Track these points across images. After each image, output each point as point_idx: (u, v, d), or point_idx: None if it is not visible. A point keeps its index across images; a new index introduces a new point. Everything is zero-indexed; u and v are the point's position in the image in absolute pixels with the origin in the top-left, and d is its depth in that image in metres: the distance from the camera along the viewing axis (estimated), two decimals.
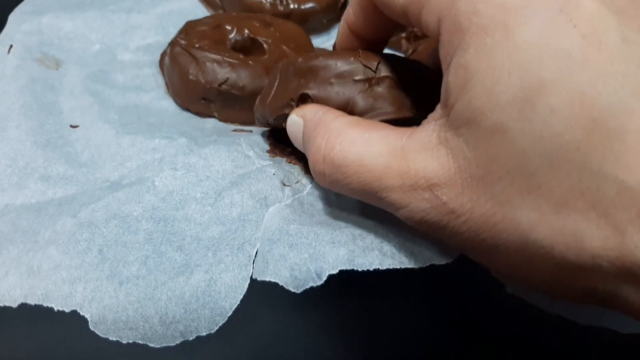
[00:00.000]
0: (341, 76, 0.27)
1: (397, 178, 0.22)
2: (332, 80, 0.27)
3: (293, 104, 0.29)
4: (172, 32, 0.50)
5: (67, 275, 0.27)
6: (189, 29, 0.43)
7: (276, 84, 0.32)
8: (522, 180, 0.18)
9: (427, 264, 0.26)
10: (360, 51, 0.28)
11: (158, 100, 0.41)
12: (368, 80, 0.26)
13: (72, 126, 0.37)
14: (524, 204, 0.18)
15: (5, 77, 0.41)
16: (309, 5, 0.51)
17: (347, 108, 0.26)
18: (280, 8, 0.50)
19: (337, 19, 0.54)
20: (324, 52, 0.30)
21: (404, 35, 0.51)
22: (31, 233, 0.29)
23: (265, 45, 0.44)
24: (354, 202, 0.30)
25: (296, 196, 0.31)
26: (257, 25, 0.45)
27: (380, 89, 0.26)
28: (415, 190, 0.21)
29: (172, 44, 0.42)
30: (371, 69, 0.26)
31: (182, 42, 0.41)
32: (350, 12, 0.29)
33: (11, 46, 0.45)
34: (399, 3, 0.22)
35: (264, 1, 0.50)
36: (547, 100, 0.17)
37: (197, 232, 0.29)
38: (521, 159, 0.17)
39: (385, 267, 0.25)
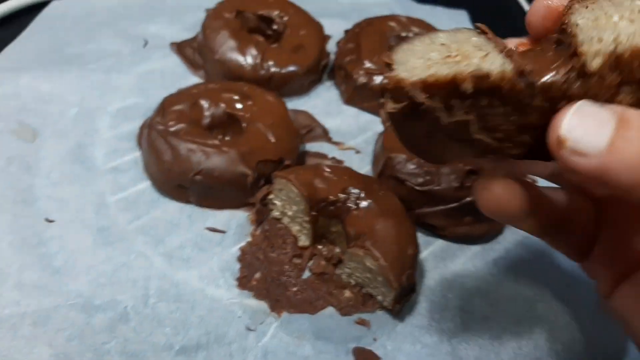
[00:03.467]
0: None
1: None
2: None
3: None
4: (153, 94, 0.49)
5: None
6: (167, 106, 0.43)
7: None
8: None
9: None
10: None
11: (135, 183, 0.42)
12: None
13: (47, 220, 0.38)
14: None
15: None
16: (290, 68, 0.50)
17: None
18: (262, 72, 0.49)
19: (318, 80, 0.54)
20: None
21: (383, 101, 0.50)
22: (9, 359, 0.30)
23: (242, 123, 0.43)
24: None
25: (259, 344, 0.33)
26: (235, 98, 0.45)
27: None
28: None
29: (149, 126, 0.42)
30: None
31: (159, 126, 0.41)
32: None
33: None
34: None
35: (245, 65, 0.49)
36: None
37: None
38: None
39: None
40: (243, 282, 0.36)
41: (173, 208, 0.40)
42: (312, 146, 0.48)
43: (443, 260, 0.39)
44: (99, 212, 0.39)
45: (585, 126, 0.17)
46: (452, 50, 0.19)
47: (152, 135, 0.41)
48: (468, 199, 0.40)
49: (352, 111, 0.52)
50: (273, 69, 0.50)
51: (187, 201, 0.41)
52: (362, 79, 0.50)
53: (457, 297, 0.37)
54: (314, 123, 0.49)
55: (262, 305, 0.35)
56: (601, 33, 0.18)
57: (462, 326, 0.35)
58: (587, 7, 0.19)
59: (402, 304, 0.34)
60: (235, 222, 0.40)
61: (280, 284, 0.36)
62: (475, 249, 0.41)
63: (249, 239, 0.39)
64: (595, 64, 0.18)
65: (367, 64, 0.51)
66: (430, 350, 0.34)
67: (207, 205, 0.41)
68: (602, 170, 0.17)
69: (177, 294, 0.35)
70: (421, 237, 0.40)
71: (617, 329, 0.33)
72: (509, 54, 0.19)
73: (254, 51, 0.50)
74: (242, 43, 0.50)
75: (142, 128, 0.45)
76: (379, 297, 0.35)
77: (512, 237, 0.42)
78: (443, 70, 0.18)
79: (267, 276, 0.36)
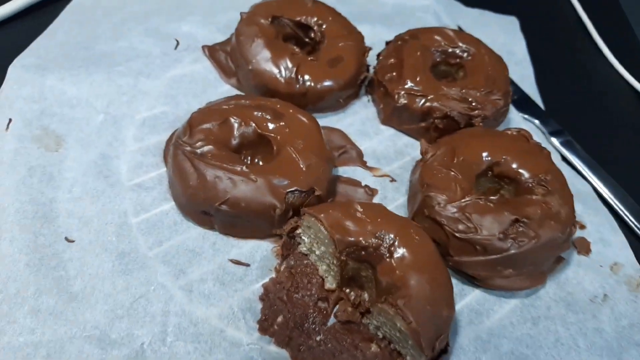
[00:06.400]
0: None
1: None
2: None
3: None
4: (182, 101, 0.47)
5: None
6: (194, 124, 0.41)
7: None
8: None
9: None
10: None
11: (159, 204, 0.40)
12: None
13: (67, 240, 0.36)
14: None
15: (3, 164, 0.40)
16: (327, 83, 0.47)
17: None
18: (297, 86, 0.46)
19: (355, 96, 0.51)
20: None
21: (423, 125, 0.47)
22: None
23: (273, 144, 0.41)
24: None
25: None
26: (267, 117, 0.42)
27: None
28: None
29: (176, 145, 0.40)
30: None
31: (187, 147, 0.39)
32: None
33: (10, 120, 0.43)
34: None
35: (279, 78, 0.46)
36: None
37: None
38: None
39: None
40: (264, 326, 0.34)
41: (196, 234, 0.38)
42: (345, 170, 0.45)
43: (479, 316, 0.37)
44: (121, 234, 0.37)
45: None
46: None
47: (179, 157, 0.39)
48: (512, 250, 0.37)
49: (389, 132, 0.49)
50: (309, 84, 0.47)
51: (211, 227, 0.39)
52: (403, 100, 0.47)
53: (492, 359, 0.34)
54: (349, 144, 0.46)
55: (283, 354, 0.33)
56: None
57: None
58: None
59: None
60: (260, 254, 0.38)
61: (303, 331, 0.34)
62: (514, 302, 0.38)
63: (273, 274, 0.37)
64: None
65: (409, 84, 0.47)
66: None
67: (232, 234, 0.39)
68: None
69: (195, 333, 0.33)
70: (456, 285, 0.38)
71: None
72: None
73: (289, 63, 0.47)
74: (277, 54, 0.47)
75: (167, 143, 0.43)
76: (408, 358, 0.33)
77: (555, 293, 0.39)
78: None
79: (290, 321, 0.34)
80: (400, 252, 0.34)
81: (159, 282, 0.35)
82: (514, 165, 0.41)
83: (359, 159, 0.46)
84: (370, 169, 0.45)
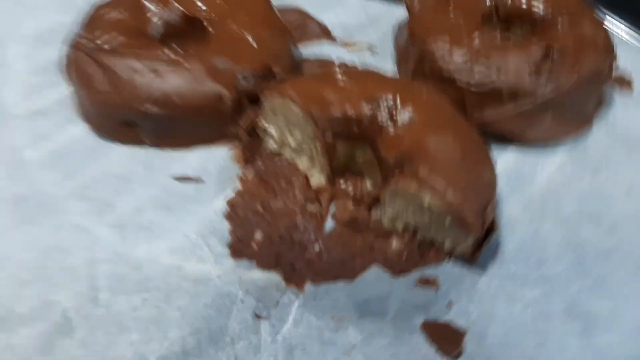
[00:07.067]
0: None
1: None
2: None
3: None
4: (85, 7, 0.35)
5: None
6: (96, 17, 0.29)
7: None
8: None
9: None
10: None
11: (63, 129, 0.29)
12: None
13: None
14: None
15: None
16: None
17: None
18: None
19: None
20: None
21: None
22: None
23: (207, 26, 0.30)
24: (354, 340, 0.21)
25: (277, 336, 0.21)
26: None
27: None
28: None
29: (74, 45, 0.28)
30: None
31: (87, 41, 0.28)
32: None
33: None
34: None
35: None
36: None
37: None
38: None
39: None
40: (238, 249, 0.24)
41: (121, 156, 0.28)
42: (310, 51, 0.34)
43: (522, 179, 0.27)
44: (13, 174, 0.26)
45: None
46: None
47: (79, 59, 0.28)
48: (549, 89, 0.27)
49: (355, 1, 0.38)
50: None
51: (139, 143, 0.28)
52: None
53: (556, 226, 0.25)
54: (307, 19, 0.36)
55: (272, 278, 0.23)
56: None
57: (576, 266, 0.24)
58: None
59: (482, 249, 0.22)
60: (214, 164, 0.27)
61: (293, 244, 0.24)
62: (560, 156, 0.29)
63: (238, 186, 0.26)
64: None
65: None
66: (537, 310, 0.22)
67: (169, 145, 0.28)
68: None
69: (140, 279, 0.23)
70: None
71: None
72: None
73: None
74: None
75: (66, 53, 0.32)
76: (447, 243, 0.23)
77: (607, 137, 0.30)
78: None
79: (273, 235, 0.24)
80: (405, 114, 0.24)
81: (76, 224, 0.25)
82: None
83: (325, 34, 0.35)
84: (342, 44, 0.35)
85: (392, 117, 0.24)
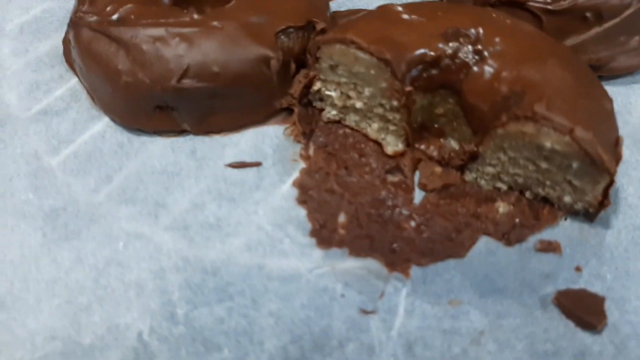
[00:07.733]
0: None
1: None
2: None
3: None
4: None
5: None
6: None
7: None
8: None
9: None
10: None
11: (85, 125, 0.24)
12: None
13: None
14: None
15: None
16: None
17: None
18: None
19: None
20: None
21: None
22: None
23: None
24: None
25: (392, 332, 0.18)
26: None
27: None
28: None
29: (76, 22, 0.24)
30: None
31: (89, 16, 0.23)
32: None
33: None
34: None
35: None
36: None
37: None
38: None
39: None
40: (324, 237, 0.21)
41: (158, 148, 0.24)
42: (340, 3, 0.30)
43: (627, 111, 0.24)
44: (40, 186, 0.23)
45: None
46: None
47: (85, 37, 0.23)
48: (637, 4, 0.24)
49: None
50: None
51: (176, 130, 0.24)
52: None
53: None
54: None
55: (371, 265, 0.20)
56: None
57: None
58: None
59: (609, 195, 0.20)
60: (269, 144, 0.24)
61: (385, 222, 0.21)
62: None
63: (302, 164, 0.23)
64: None
65: None
66: None
67: (212, 129, 0.24)
68: None
69: (219, 286, 0.20)
70: None
71: None
72: None
73: None
74: None
75: (65, 42, 0.27)
76: (567, 198, 0.20)
77: None
78: None
79: (359, 215, 0.21)
80: (496, 44, 0.21)
81: (127, 232, 0.21)
82: None
83: None
84: None
85: (478, 52, 0.21)
